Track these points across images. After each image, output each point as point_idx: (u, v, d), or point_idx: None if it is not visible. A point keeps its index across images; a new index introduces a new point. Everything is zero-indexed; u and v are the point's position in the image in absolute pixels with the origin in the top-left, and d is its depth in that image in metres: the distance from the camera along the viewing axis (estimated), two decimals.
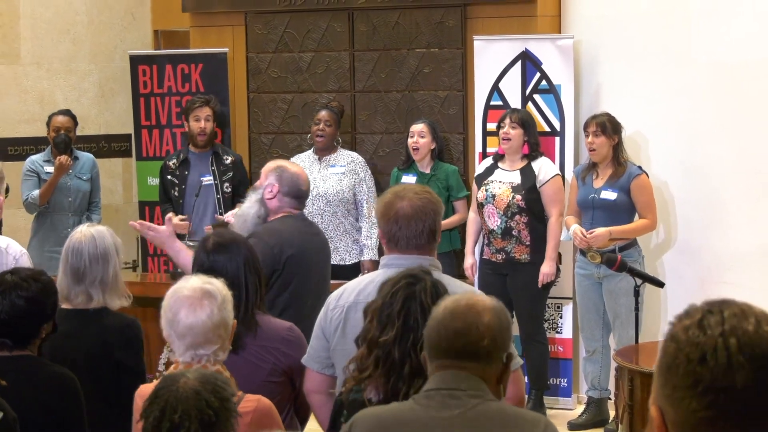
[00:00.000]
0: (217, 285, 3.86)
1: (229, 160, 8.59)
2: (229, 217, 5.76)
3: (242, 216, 5.53)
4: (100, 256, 4.72)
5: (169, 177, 8.61)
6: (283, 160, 6.02)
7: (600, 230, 7.63)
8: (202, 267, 4.46)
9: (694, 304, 1.93)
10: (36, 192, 8.54)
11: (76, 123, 8.78)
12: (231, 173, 8.54)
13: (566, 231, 7.97)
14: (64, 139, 8.58)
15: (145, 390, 3.87)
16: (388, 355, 3.57)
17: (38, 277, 4.24)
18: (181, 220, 7.69)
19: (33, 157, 8.77)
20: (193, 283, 3.84)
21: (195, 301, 3.78)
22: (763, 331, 1.86)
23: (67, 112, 8.80)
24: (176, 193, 8.52)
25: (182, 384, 3.18)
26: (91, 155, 8.97)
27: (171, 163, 8.66)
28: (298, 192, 5.54)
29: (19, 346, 4.11)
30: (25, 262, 5.42)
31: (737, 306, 1.90)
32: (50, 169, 8.58)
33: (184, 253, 5.44)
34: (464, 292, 3.26)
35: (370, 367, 3.59)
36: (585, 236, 7.64)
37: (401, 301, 3.61)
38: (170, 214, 5.97)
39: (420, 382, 3.45)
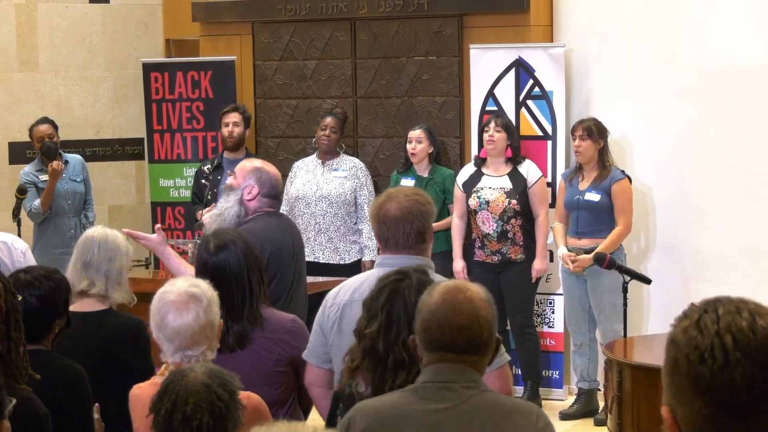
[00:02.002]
0: (203, 288, 3.83)
1: None
2: (205, 217, 5.70)
3: (220, 216, 5.45)
4: (109, 250, 4.74)
5: (203, 181, 8.67)
6: (258, 160, 5.95)
7: (583, 257, 7.70)
8: (205, 267, 4.45)
9: (693, 304, 1.92)
10: (37, 201, 8.48)
11: (56, 128, 8.72)
12: None
13: (551, 235, 8.01)
14: (50, 146, 8.52)
15: (138, 390, 3.85)
16: (374, 347, 3.54)
17: (51, 275, 4.24)
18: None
19: (25, 169, 8.68)
20: (179, 286, 3.81)
21: (181, 305, 3.75)
22: (758, 326, 1.85)
23: (45, 120, 8.73)
24: (209, 197, 8.55)
25: (192, 378, 3.18)
26: (79, 156, 8.93)
27: (206, 168, 8.77)
28: (276, 192, 5.52)
29: (33, 341, 4.10)
30: (30, 256, 5.43)
31: (732, 303, 1.89)
32: (44, 177, 8.51)
33: (173, 259, 5.42)
34: (452, 281, 3.19)
35: (358, 358, 3.56)
36: (569, 263, 7.78)
37: (386, 296, 3.58)
38: (158, 225, 5.95)
39: (403, 374, 3.44)
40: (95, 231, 4.86)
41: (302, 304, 5.41)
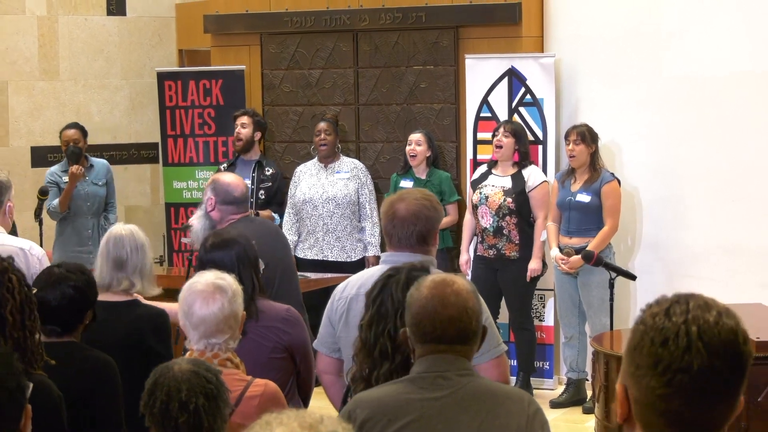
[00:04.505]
0: (228, 280, 3.85)
1: (270, 171, 8.70)
2: (192, 220, 5.71)
3: (195, 233, 5.51)
4: (139, 247, 4.77)
5: None
6: (220, 172, 6.00)
7: (574, 258, 7.72)
8: (200, 262, 4.52)
9: (665, 294, 1.96)
10: (56, 201, 8.43)
11: (85, 134, 8.62)
12: (269, 183, 8.63)
13: (544, 234, 8.01)
14: (74, 151, 8.47)
15: None
16: (366, 338, 3.53)
17: (82, 269, 4.27)
18: None
19: (51, 169, 8.65)
20: (206, 278, 3.84)
21: (208, 295, 3.78)
22: (723, 323, 1.88)
23: (75, 125, 8.67)
24: None
25: (177, 369, 3.20)
26: (105, 161, 8.86)
27: (222, 167, 8.74)
28: (232, 199, 5.51)
29: (66, 333, 4.11)
30: (47, 262, 5.38)
31: (702, 299, 1.93)
32: (67, 178, 8.50)
33: None
34: (438, 275, 3.18)
35: (357, 347, 3.56)
36: (562, 264, 7.82)
37: (378, 290, 3.57)
38: None
39: (387, 364, 3.43)
40: (122, 229, 4.84)
41: (295, 297, 5.38)
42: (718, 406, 1.88)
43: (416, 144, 8.37)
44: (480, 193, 8.04)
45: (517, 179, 8.01)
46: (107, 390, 4.00)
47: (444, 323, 3.03)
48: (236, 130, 8.75)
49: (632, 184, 8.15)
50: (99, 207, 8.62)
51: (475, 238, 8.18)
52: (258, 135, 8.81)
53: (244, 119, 8.75)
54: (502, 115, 8.35)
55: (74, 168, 8.38)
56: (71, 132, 8.60)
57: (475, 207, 8.07)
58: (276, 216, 8.51)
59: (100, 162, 8.78)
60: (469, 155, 8.51)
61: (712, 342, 1.86)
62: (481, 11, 8.56)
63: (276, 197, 8.70)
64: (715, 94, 7.80)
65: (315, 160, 8.75)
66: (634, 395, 1.91)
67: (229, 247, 4.53)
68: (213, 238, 4.60)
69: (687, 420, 1.87)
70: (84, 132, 8.65)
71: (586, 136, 7.80)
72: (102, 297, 4.66)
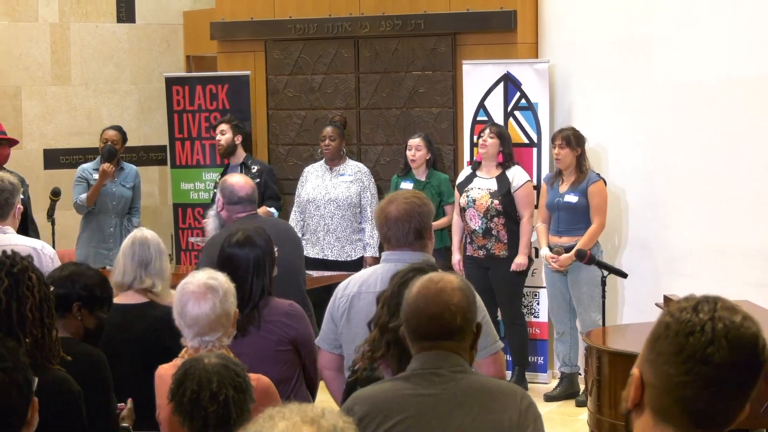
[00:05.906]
0: (220, 280, 3.88)
1: (255, 169, 8.65)
2: (207, 219, 5.89)
3: (209, 231, 5.70)
4: (162, 251, 4.81)
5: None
6: (229, 174, 6.15)
7: (564, 256, 7.78)
8: (221, 254, 4.57)
9: (692, 293, 2.02)
10: (83, 195, 8.54)
11: (124, 137, 8.73)
12: (257, 179, 8.56)
13: (535, 234, 8.04)
14: (109, 150, 8.58)
15: (162, 371, 3.86)
16: (398, 340, 3.43)
17: (97, 271, 4.26)
18: None
19: (84, 165, 8.77)
20: (198, 278, 3.86)
21: (200, 295, 3.80)
22: (746, 326, 1.95)
23: (116, 128, 8.78)
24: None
25: (207, 362, 3.24)
26: (135, 167, 8.95)
27: (220, 173, 8.76)
28: (237, 199, 5.61)
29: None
30: (58, 262, 5.39)
31: (729, 302, 2.00)
32: (98, 176, 8.57)
33: None
34: (428, 274, 3.19)
35: (382, 349, 3.54)
36: (552, 263, 7.85)
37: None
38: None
39: None
40: (147, 233, 4.88)
41: (297, 296, 5.38)
42: (730, 402, 1.93)
43: (416, 149, 8.39)
44: (467, 196, 8.06)
45: (502, 180, 8.05)
46: (99, 383, 3.99)
47: (427, 320, 3.05)
48: (216, 138, 8.77)
49: (622, 185, 8.18)
50: (123, 208, 8.70)
51: (464, 238, 8.21)
52: (239, 138, 8.77)
53: (223, 127, 8.76)
54: (498, 119, 8.38)
55: (105, 165, 8.48)
56: (112, 133, 8.70)
57: (462, 210, 8.09)
58: (273, 210, 8.48)
59: (130, 166, 8.87)
60: (466, 157, 8.54)
61: (735, 341, 1.91)
62: (478, 19, 8.59)
63: (267, 191, 8.57)
64: (706, 99, 7.83)
65: (322, 161, 8.78)
66: (651, 380, 1.96)
67: (247, 249, 4.54)
68: (239, 235, 4.61)
69: (700, 409, 1.92)
70: (124, 136, 8.73)
71: (571, 140, 7.83)
72: (118, 300, 4.66)
